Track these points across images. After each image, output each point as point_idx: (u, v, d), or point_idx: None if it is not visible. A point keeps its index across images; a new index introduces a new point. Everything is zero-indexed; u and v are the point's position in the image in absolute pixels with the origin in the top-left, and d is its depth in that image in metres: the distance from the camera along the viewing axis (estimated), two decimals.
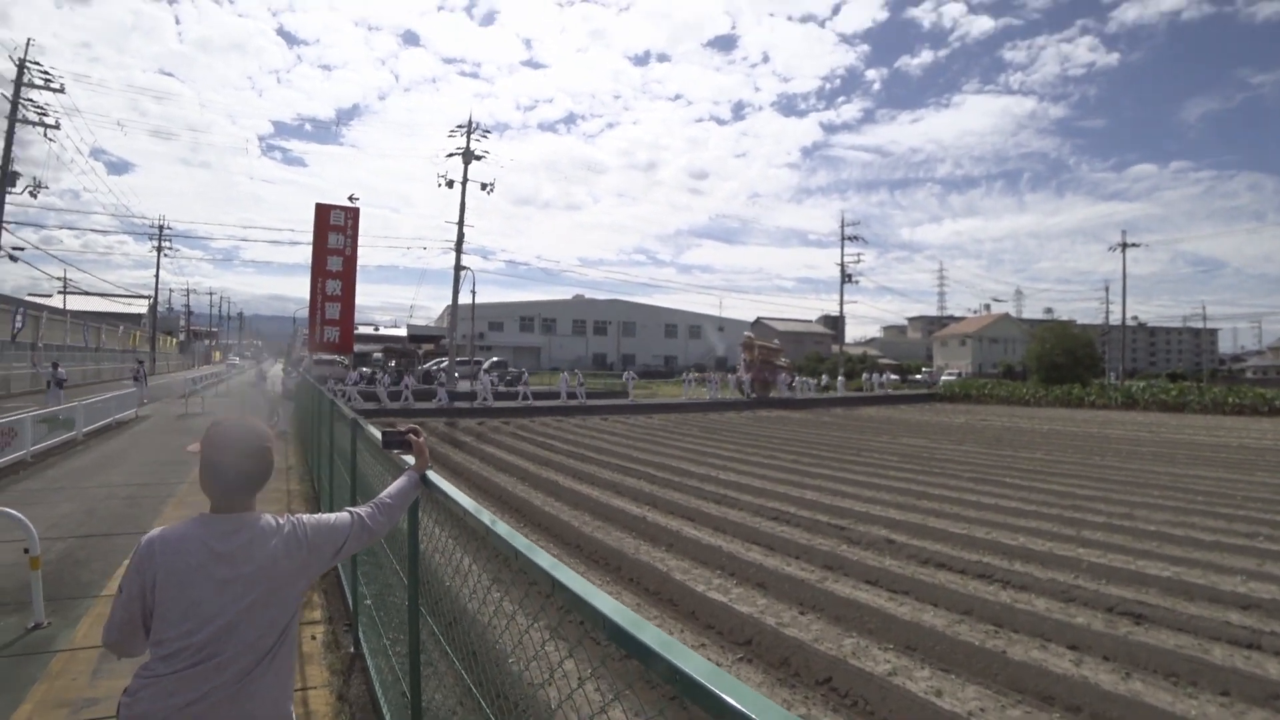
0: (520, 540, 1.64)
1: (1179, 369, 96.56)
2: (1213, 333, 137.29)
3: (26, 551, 5.24)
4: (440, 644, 3.07)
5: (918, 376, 65.20)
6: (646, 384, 51.59)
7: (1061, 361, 52.42)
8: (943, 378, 58.61)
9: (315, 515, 2.13)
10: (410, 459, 2.61)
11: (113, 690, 4.21)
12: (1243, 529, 9.97)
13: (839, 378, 49.92)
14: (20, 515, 5.27)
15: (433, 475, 2.51)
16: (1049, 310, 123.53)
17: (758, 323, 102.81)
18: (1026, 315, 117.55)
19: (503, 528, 1.80)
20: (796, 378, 43.62)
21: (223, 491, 1.96)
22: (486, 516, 1.92)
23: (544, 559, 1.48)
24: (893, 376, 54.03)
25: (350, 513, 2.22)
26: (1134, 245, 58.23)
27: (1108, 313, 73.39)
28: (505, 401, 31.41)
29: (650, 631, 1.09)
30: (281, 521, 2.01)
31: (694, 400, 36.42)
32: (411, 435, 2.61)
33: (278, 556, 1.94)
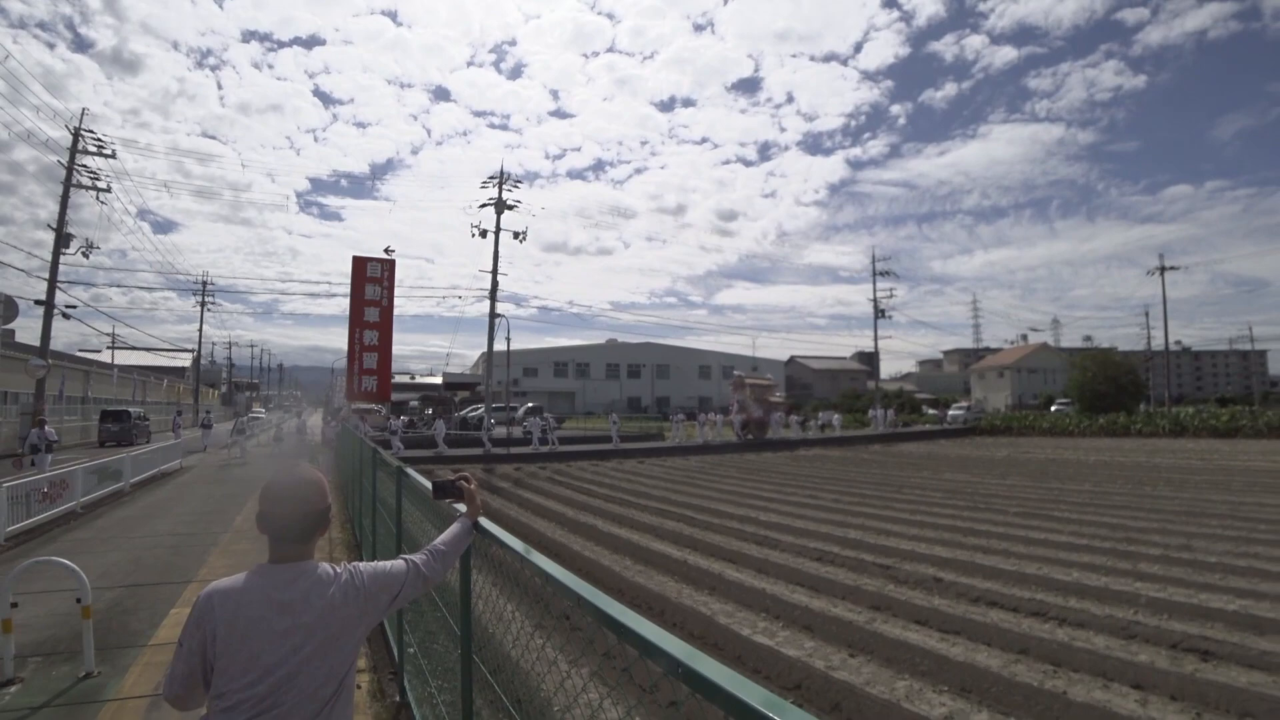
0: (583, 585, 1.63)
1: (1228, 393, 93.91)
2: (1261, 354, 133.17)
3: (79, 601, 5.34)
4: (485, 694, 3.05)
5: (933, 410, 61.86)
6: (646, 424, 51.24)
7: (1105, 390, 51.37)
8: (950, 412, 56.09)
9: (371, 564, 2.15)
10: (461, 506, 2.62)
11: None
12: None
13: (835, 416, 48.56)
14: (73, 565, 5.38)
15: (485, 522, 2.52)
16: (1088, 338, 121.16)
17: (791, 361, 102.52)
18: (1065, 344, 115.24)
19: (561, 572, 1.80)
20: (794, 417, 42.46)
21: (281, 541, 1.99)
22: (546, 562, 1.93)
23: (610, 604, 1.47)
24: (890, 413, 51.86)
25: (406, 560, 2.23)
26: (1172, 268, 57.35)
27: (1149, 337, 71.71)
28: (541, 447, 31.40)
29: (752, 689, 1.08)
30: (339, 570, 2.02)
31: (686, 443, 34.71)
32: (463, 482, 2.62)
33: (336, 605, 1.96)
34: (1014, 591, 8.26)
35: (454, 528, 2.49)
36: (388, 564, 2.18)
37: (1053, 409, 59.49)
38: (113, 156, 32.68)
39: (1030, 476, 20.73)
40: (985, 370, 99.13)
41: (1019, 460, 26.71)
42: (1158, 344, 61.78)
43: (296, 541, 1.99)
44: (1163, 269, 56.38)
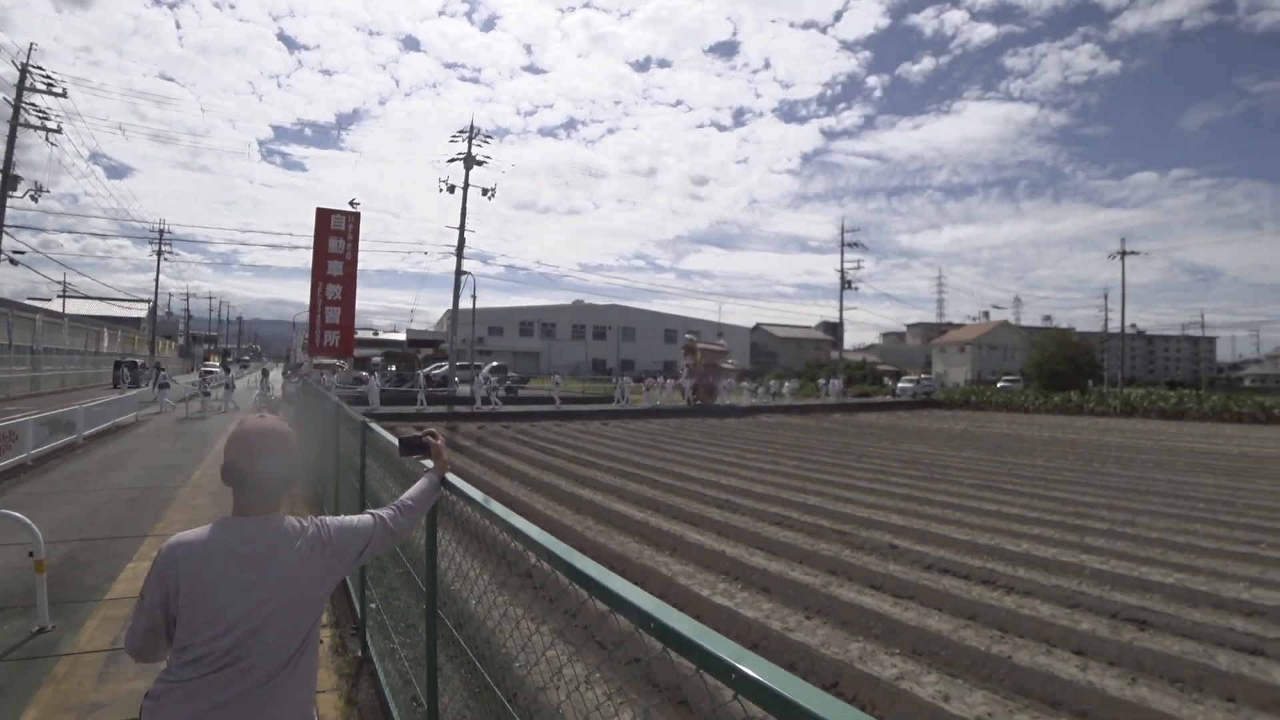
0: (555, 542, 1.64)
1: (1178, 377, 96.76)
2: (1211, 341, 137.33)
3: (31, 555, 5.23)
4: (448, 648, 3.08)
5: (891, 382, 61.28)
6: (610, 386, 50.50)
7: (1061, 369, 52.60)
8: (900, 384, 56.59)
9: (338, 517, 2.12)
10: (429, 462, 2.60)
11: (119, 694, 4.22)
12: (1244, 536, 9.98)
13: (786, 383, 48.91)
14: (25, 518, 5.26)
15: (453, 478, 2.51)
16: (1048, 318, 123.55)
17: (757, 328, 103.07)
18: (1025, 323, 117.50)
19: (532, 528, 1.81)
20: (746, 384, 42.24)
21: (247, 494, 1.95)
22: (516, 518, 1.93)
23: (583, 560, 1.48)
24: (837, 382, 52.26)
25: (372, 515, 2.21)
26: (1133, 253, 58.50)
27: (1106, 320, 73.35)
28: (483, 406, 31.01)
29: (720, 641, 1.10)
30: (305, 524, 2.00)
31: (633, 407, 34.46)
32: (429, 438, 2.58)
33: (302, 559, 1.93)
34: (966, 560, 8.51)
35: (421, 483, 2.46)
36: (355, 518, 2.16)
37: (999, 385, 60.69)
38: (63, 95, 31.38)
39: (985, 450, 21.23)
40: (947, 345, 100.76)
41: (975, 434, 27.32)
42: (1115, 327, 63.23)
43: (262, 494, 1.96)
44: (1124, 253, 57.46)
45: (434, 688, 2.81)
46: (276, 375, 44.70)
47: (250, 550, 1.88)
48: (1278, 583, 7.75)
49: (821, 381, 53.69)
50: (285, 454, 1.99)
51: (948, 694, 5.19)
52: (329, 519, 2.08)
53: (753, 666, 0.98)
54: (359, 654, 4.91)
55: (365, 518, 2.19)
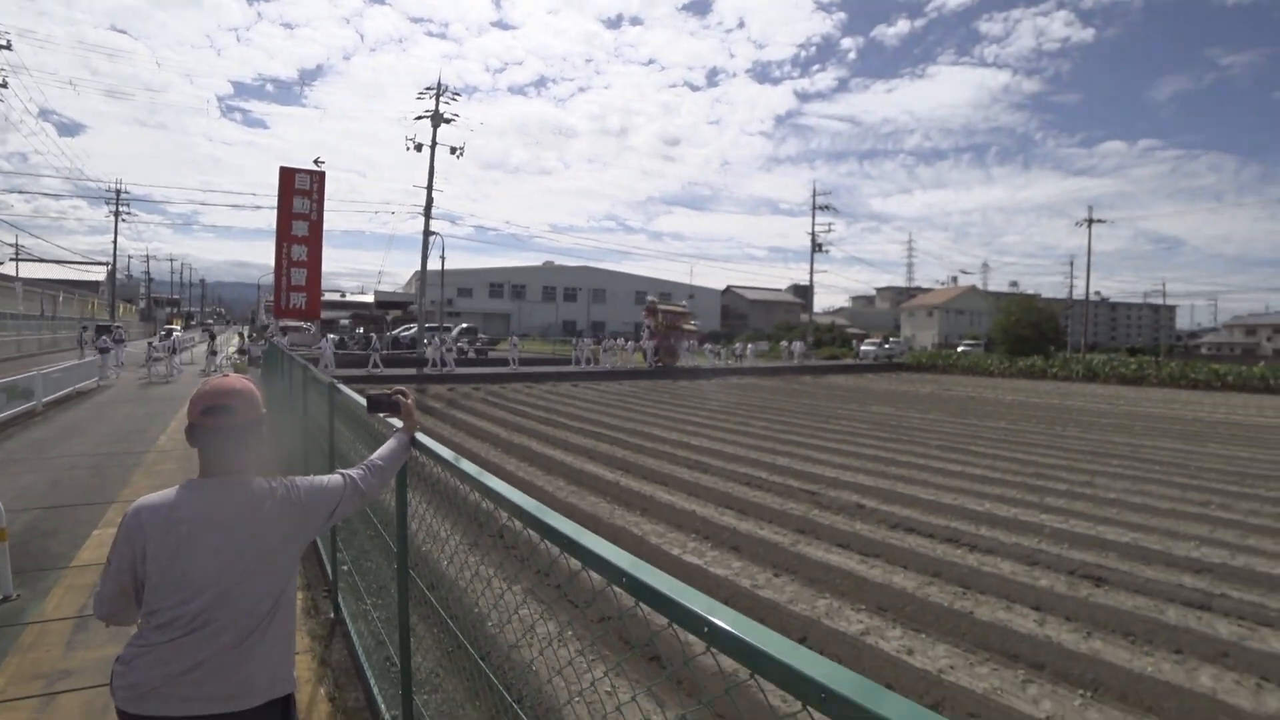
0: (528, 500, 1.64)
1: (1138, 344, 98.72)
2: (1171, 309, 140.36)
3: None
4: (420, 609, 3.09)
5: (865, 345, 60.02)
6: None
7: (1026, 334, 53.47)
8: (862, 347, 56.76)
9: (307, 478, 2.10)
10: (398, 422, 2.57)
11: (87, 661, 4.18)
12: (1196, 497, 10.31)
13: (749, 346, 49.01)
14: None
15: (423, 437, 2.49)
16: (1014, 284, 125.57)
17: (728, 290, 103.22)
18: (992, 288, 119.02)
19: (504, 486, 1.80)
20: (709, 346, 41.81)
21: (211, 455, 1.92)
22: (488, 477, 1.93)
23: (557, 519, 1.49)
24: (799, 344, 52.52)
25: (342, 474, 2.19)
26: (1100, 221, 59.16)
27: (1071, 287, 74.39)
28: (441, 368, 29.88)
29: (694, 596, 1.11)
30: (274, 484, 1.97)
31: (590, 370, 33.99)
32: (399, 397, 2.55)
33: (271, 520, 1.92)
34: (931, 519, 8.70)
35: (391, 443, 2.43)
36: (325, 478, 2.14)
37: (959, 349, 61.63)
38: (8, 48, 30.16)
39: (951, 413, 21.61)
40: (915, 309, 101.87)
41: (941, 397, 27.78)
42: (1079, 293, 64.18)
43: (227, 455, 1.93)
44: (1090, 221, 58.11)
45: (407, 648, 2.82)
46: (236, 339, 42.51)
47: (217, 513, 1.86)
48: (1226, 542, 8.04)
49: (784, 344, 54.04)
50: (248, 413, 1.95)
51: (911, 648, 5.34)
52: (299, 479, 2.06)
53: (725, 619, 1.00)
54: (331, 616, 4.92)
55: (335, 478, 2.16)
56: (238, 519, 1.87)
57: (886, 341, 60.12)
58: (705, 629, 1.01)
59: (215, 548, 1.83)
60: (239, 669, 1.84)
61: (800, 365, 44.56)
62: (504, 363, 34.63)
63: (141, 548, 1.83)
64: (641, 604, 1.17)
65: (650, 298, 44.50)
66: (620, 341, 41.01)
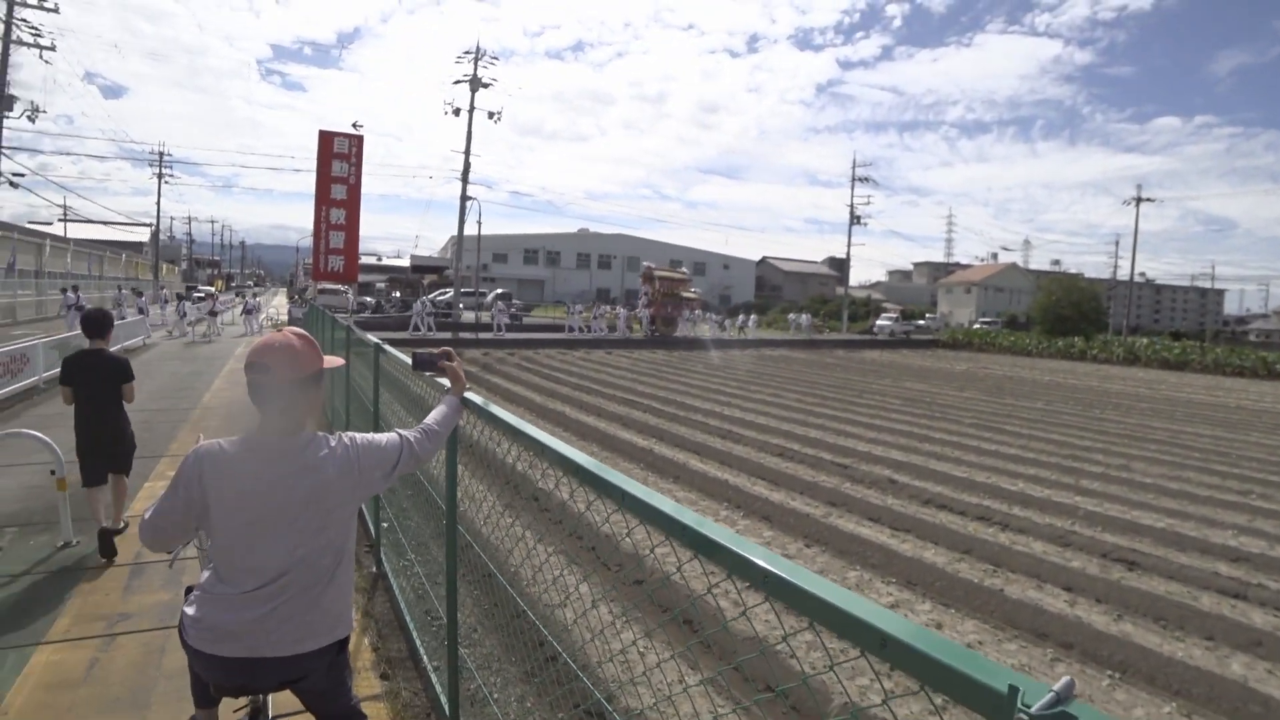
0: (584, 457, 1.70)
1: (1183, 328, 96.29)
2: (1219, 293, 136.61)
3: (53, 473, 5.35)
4: (461, 567, 3.19)
5: (880, 320, 57.82)
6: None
7: (1067, 314, 52.29)
8: (878, 322, 55.48)
9: (366, 435, 2.10)
10: (445, 382, 2.57)
11: (144, 605, 4.38)
12: (1236, 486, 10.14)
13: (751, 317, 47.97)
14: (46, 438, 5.36)
15: (472, 396, 2.54)
16: (1056, 262, 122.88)
17: (763, 261, 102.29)
18: (1033, 266, 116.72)
19: (561, 445, 1.87)
20: (710, 315, 40.36)
21: (266, 413, 1.96)
22: (544, 435, 1.99)
23: (613, 475, 1.54)
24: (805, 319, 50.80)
25: (400, 435, 2.19)
26: (1148, 200, 57.29)
27: (1116, 267, 72.78)
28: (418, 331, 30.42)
29: (754, 548, 1.17)
30: (334, 442, 2.00)
31: (582, 337, 33.07)
32: (445, 361, 2.50)
33: (330, 479, 1.95)
34: (963, 496, 8.68)
35: (441, 407, 2.41)
36: (383, 438, 2.13)
37: (975, 326, 60.58)
38: (55, 10, 30.44)
39: (986, 391, 21.37)
40: (953, 285, 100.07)
41: (977, 375, 27.45)
42: (1124, 274, 62.65)
43: (275, 412, 1.95)
44: (1139, 200, 56.42)
45: (454, 602, 2.92)
46: (278, 301, 43.21)
47: (278, 471, 1.91)
48: (1264, 532, 7.93)
49: (791, 316, 53.12)
50: (288, 371, 1.93)
51: (940, 622, 5.38)
52: (357, 437, 2.07)
53: (785, 570, 1.05)
54: (373, 570, 5.07)
55: (393, 437, 2.16)
56: (297, 477, 1.91)
57: (908, 316, 58.37)
58: (764, 578, 1.06)
59: (279, 505, 1.90)
60: (305, 616, 1.94)
61: (808, 339, 43.21)
62: (552, 328, 35.07)
63: (201, 498, 1.91)
64: (699, 556, 1.23)
65: (646, 264, 41.99)
66: (614, 309, 39.12)
